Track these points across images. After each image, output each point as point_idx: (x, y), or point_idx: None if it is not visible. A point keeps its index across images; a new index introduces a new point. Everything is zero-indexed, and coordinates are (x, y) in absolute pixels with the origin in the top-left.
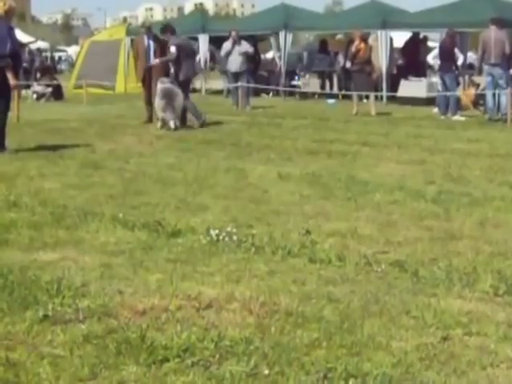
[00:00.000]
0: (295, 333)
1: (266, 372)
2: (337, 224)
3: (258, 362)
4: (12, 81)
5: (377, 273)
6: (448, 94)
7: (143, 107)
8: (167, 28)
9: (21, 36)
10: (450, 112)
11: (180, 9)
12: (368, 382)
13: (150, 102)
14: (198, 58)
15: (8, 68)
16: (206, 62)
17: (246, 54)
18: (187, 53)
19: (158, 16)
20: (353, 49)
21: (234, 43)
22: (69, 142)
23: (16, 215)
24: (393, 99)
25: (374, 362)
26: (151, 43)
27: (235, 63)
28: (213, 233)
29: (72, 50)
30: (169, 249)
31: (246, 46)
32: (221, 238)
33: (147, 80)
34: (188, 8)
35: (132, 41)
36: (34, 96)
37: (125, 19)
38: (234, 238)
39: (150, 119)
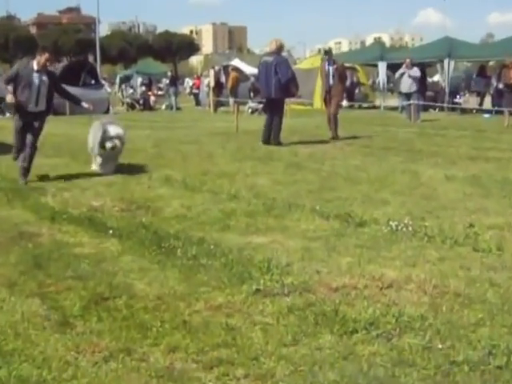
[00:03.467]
0: (463, 312)
1: (439, 346)
2: (495, 218)
3: (431, 337)
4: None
5: None
6: None
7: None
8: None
9: (239, 64)
10: None
11: (362, 42)
12: None
13: (329, 121)
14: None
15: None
16: (383, 84)
17: (413, 78)
18: None
19: (345, 48)
20: (509, 74)
21: (407, 69)
22: (277, 148)
23: (235, 205)
24: None
25: None
26: (330, 68)
27: (407, 85)
28: (392, 224)
29: None
30: (357, 236)
31: (414, 72)
32: (399, 228)
33: (327, 101)
34: (369, 41)
35: None
36: (249, 111)
37: (319, 50)
38: (410, 228)
39: (335, 136)
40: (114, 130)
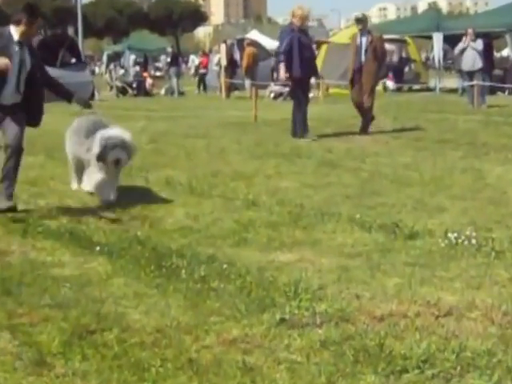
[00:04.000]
0: None
1: None
2: None
3: (501, 377)
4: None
5: None
6: None
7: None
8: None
9: (257, 36)
10: None
11: (413, 8)
12: None
13: (359, 106)
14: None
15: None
16: (439, 60)
17: (477, 52)
18: None
19: (391, 15)
20: None
21: (469, 41)
22: (306, 142)
23: (254, 214)
24: None
25: None
26: (363, 40)
27: (469, 61)
28: (451, 236)
29: None
30: (406, 252)
31: (476, 44)
32: (459, 241)
33: (356, 84)
34: (421, 7)
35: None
36: (272, 95)
37: None
38: (473, 241)
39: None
40: (119, 136)
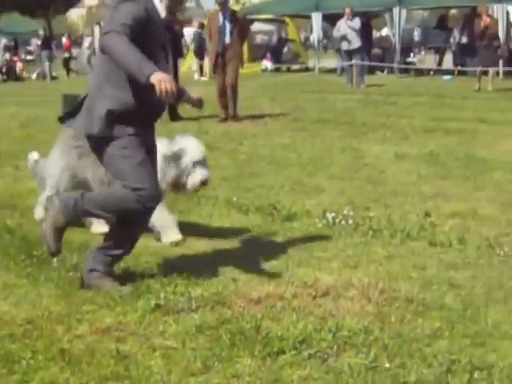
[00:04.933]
0: (416, 322)
1: (387, 365)
2: (456, 205)
3: (377, 354)
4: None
5: (499, 256)
6: None
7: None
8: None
9: None
10: None
11: None
12: (494, 374)
13: (223, 95)
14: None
15: None
16: (318, 40)
17: (354, 31)
18: None
19: None
20: (482, 25)
21: (347, 20)
22: (180, 125)
23: None
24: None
25: (499, 352)
26: (227, 22)
27: (347, 41)
28: (329, 216)
29: (186, 32)
30: (284, 233)
31: (353, 23)
32: (337, 221)
33: (220, 66)
34: None
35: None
36: None
37: (237, 0)
38: (351, 221)
39: (226, 117)
40: (197, 145)
